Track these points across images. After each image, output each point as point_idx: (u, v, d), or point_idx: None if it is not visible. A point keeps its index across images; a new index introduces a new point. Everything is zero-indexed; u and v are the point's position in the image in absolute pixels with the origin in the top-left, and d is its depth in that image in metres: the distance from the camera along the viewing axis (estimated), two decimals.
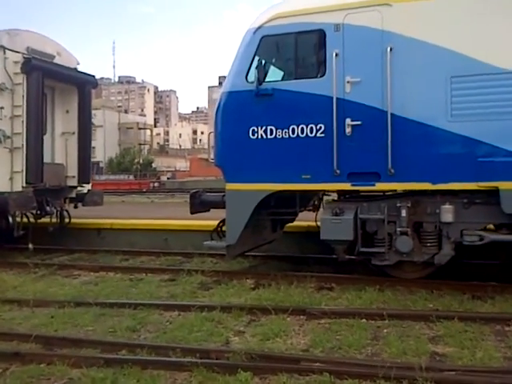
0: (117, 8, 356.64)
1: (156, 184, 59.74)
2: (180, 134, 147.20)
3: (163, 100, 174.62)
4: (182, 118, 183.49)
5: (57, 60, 12.26)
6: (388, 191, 8.38)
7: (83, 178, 12.64)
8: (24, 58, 11.11)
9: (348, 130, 8.02)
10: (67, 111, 12.70)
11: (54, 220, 12.33)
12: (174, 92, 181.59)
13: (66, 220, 12.58)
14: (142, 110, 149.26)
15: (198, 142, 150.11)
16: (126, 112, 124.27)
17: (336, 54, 8.08)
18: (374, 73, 7.91)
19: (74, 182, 12.59)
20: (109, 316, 7.17)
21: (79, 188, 12.75)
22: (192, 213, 9.84)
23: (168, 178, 73.23)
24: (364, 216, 8.13)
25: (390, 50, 7.75)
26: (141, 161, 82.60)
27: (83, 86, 12.63)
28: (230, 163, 8.93)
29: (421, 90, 7.74)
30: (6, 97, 11.03)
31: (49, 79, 11.71)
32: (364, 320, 6.64)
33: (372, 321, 6.62)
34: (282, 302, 7.51)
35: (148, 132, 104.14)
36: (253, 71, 8.59)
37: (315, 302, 7.49)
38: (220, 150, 9.10)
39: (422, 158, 7.71)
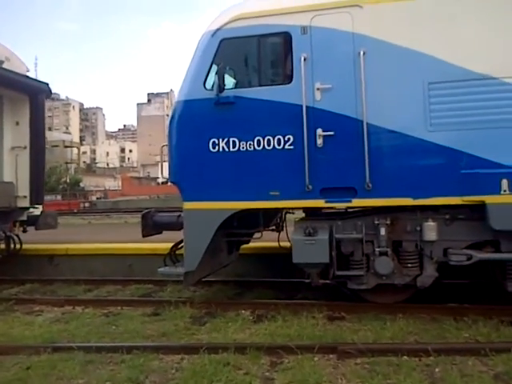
0: (39, 24, 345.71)
1: (87, 204, 57.39)
2: (107, 153, 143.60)
3: (89, 117, 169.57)
4: (109, 136, 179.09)
5: (5, 65, 10.82)
6: (366, 208, 7.62)
7: (36, 198, 11.17)
8: None
9: (319, 141, 7.27)
10: (17, 123, 11.22)
11: (1, 246, 10.78)
12: (101, 109, 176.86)
13: (17, 246, 11.05)
14: (67, 128, 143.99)
15: (127, 161, 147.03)
16: (50, 129, 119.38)
17: (304, 59, 7.35)
18: (346, 79, 7.24)
19: (25, 203, 11.09)
20: (98, 363, 5.96)
21: (31, 209, 11.26)
22: (144, 236, 8.84)
23: (98, 198, 70.84)
24: (340, 236, 7.40)
25: (363, 54, 7.12)
26: (68, 180, 79.36)
27: (35, 94, 11.21)
28: (188, 180, 7.95)
29: (397, 97, 7.11)
30: None
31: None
32: (405, 357, 5.76)
33: (415, 358, 5.73)
34: (299, 338, 6.53)
35: (75, 150, 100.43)
36: (211, 78, 7.75)
37: (338, 337, 6.56)
38: (175, 166, 8.11)
39: (402, 171, 7.07)
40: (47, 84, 11.53)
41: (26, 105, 11.17)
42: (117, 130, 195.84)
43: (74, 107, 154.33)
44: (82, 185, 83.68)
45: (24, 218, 11.23)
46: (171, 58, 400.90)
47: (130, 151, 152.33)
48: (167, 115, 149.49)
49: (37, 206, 11.36)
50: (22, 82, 10.97)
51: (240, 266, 10.40)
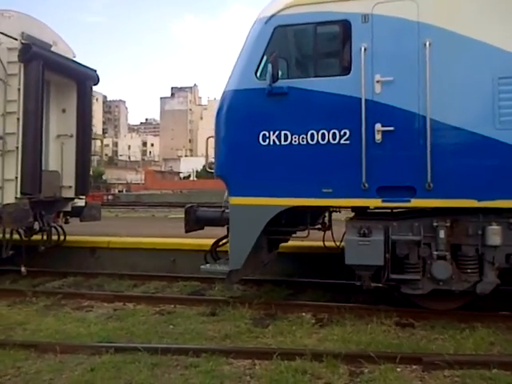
0: (63, 17, 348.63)
1: (110, 197, 57.46)
2: (129, 146, 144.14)
3: (112, 110, 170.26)
4: (131, 129, 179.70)
5: (53, 50, 10.47)
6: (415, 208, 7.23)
7: (82, 188, 10.85)
8: (22, 44, 9.33)
9: (378, 136, 6.88)
10: (63, 110, 10.90)
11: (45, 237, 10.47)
12: (124, 102, 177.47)
13: (61, 238, 10.77)
14: None
15: (148, 154, 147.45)
16: None
17: (364, 49, 6.93)
18: (409, 71, 6.83)
19: (70, 193, 10.78)
20: (165, 367, 5.59)
21: (76, 200, 10.96)
22: (187, 231, 8.53)
23: (119, 191, 70.97)
24: (397, 237, 6.96)
25: (429, 45, 6.68)
26: (91, 172, 79.42)
27: (83, 81, 10.87)
28: (236, 174, 7.59)
29: (464, 92, 6.69)
30: None
31: (46, 71, 9.89)
32: (495, 370, 5.32)
33: (507, 371, 5.30)
34: (374, 346, 6.12)
35: (98, 142, 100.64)
36: (263, 67, 7.39)
37: (415, 346, 6.15)
38: (223, 159, 7.73)
39: (466, 171, 6.66)
40: (95, 70, 11.20)
41: (74, 91, 10.85)
42: (139, 123, 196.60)
43: (97, 99, 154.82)
44: (104, 177, 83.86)
45: (68, 208, 10.92)
46: (195, 52, 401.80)
47: (152, 145, 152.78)
48: (190, 110, 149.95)
49: (81, 196, 11.05)
50: (69, 67, 10.62)
51: (279, 265, 10.07)
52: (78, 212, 10.95)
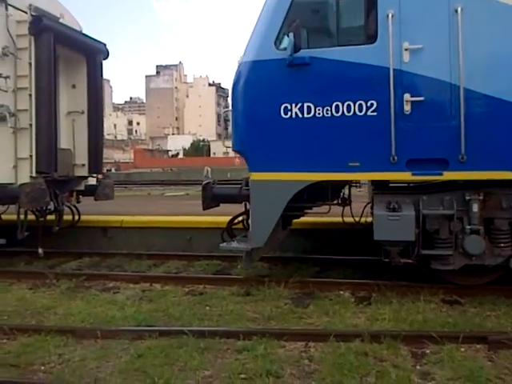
0: None
1: (100, 176, 56.54)
2: (115, 125, 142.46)
3: None
4: (116, 108, 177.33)
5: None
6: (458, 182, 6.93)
7: (95, 166, 10.43)
8: (32, 16, 8.82)
9: (407, 107, 6.56)
10: (73, 86, 10.42)
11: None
12: (108, 81, 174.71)
13: (75, 217, 10.39)
14: None
15: (134, 133, 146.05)
16: None
17: (391, 16, 6.54)
18: (439, 38, 6.48)
19: (83, 172, 10.36)
20: (216, 350, 5.31)
21: (89, 179, 10.56)
22: (204, 208, 8.20)
23: (108, 170, 70.21)
24: (428, 212, 6.69)
25: (461, 10, 6.32)
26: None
27: (93, 55, 10.38)
28: (256, 149, 7.23)
29: (498, 59, 6.40)
30: (9, 64, 8.73)
31: (56, 45, 9.37)
32: None
33: None
34: (429, 325, 5.87)
35: None
36: (283, 36, 7.02)
37: (470, 324, 5.92)
38: (242, 133, 7.40)
39: (502, 142, 6.39)
40: (105, 44, 10.70)
41: (83, 66, 10.35)
42: (123, 102, 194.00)
43: None
44: None
45: (81, 187, 10.52)
46: (179, 30, 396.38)
47: (138, 124, 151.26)
48: (176, 87, 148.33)
49: (94, 175, 10.65)
50: (79, 40, 10.13)
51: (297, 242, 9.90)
52: (91, 191, 10.55)
